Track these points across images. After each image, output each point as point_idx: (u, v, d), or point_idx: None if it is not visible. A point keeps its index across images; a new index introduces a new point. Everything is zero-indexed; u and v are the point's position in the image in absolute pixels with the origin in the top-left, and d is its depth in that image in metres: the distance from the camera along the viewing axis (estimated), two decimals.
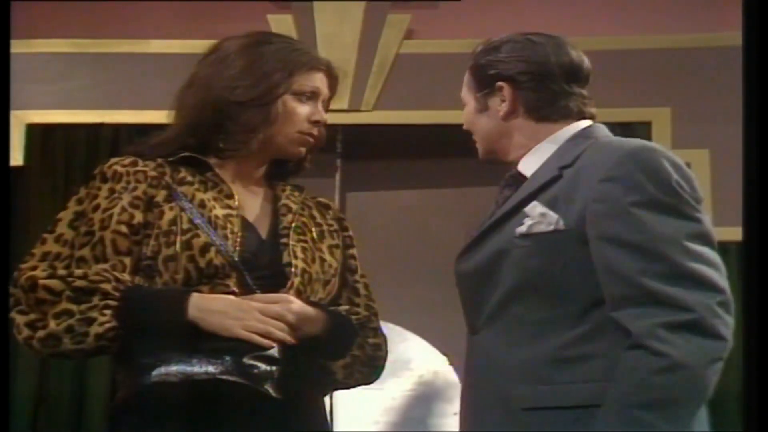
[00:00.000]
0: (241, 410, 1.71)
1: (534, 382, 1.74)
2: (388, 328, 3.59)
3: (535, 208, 1.78)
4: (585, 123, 1.89)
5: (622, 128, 3.45)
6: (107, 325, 1.71)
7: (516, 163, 1.88)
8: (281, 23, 3.51)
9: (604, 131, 1.89)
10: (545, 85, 1.86)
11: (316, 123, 1.91)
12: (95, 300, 1.73)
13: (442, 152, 3.96)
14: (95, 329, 1.71)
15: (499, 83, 1.85)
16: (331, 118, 3.84)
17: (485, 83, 1.87)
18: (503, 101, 1.86)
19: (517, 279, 1.77)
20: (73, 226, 1.82)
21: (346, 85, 3.53)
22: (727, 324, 1.59)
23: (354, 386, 1.95)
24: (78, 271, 1.75)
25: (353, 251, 1.99)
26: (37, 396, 3.31)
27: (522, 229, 1.78)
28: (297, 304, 1.77)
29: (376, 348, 1.91)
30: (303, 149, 1.92)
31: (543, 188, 1.80)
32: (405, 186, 3.76)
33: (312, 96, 1.91)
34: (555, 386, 1.73)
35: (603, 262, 1.70)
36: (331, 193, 3.60)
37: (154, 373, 1.70)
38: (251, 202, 1.91)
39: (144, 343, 1.71)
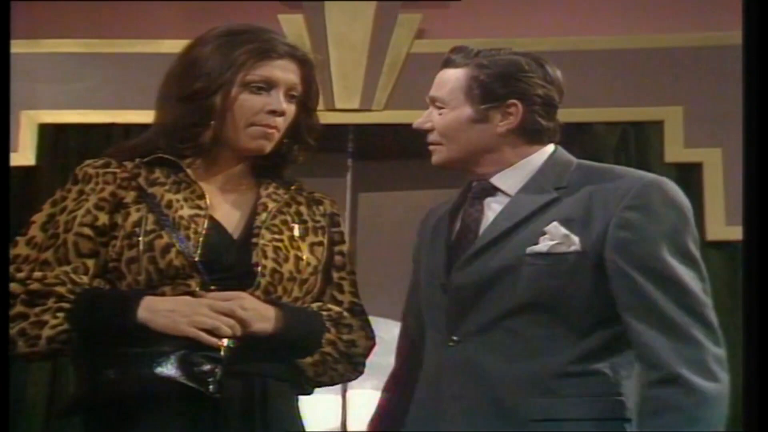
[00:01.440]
0: (184, 410, 1.70)
1: (542, 395, 1.74)
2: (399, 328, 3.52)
3: (557, 228, 1.79)
4: (552, 145, 1.93)
5: (634, 128, 3.45)
6: (59, 328, 1.71)
7: (486, 175, 1.90)
8: (292, 23, 3.51)
9: (569, 156, 1.95)
10: (547, 109, 1.90)
11: (272, 113, 1.86)
12: (50, 303, 1.72)
13: None
14: (47, 332, 1.70)
15: (513, 101, 1.86)
16: (343, 118, 3.86)
17: (493, 97, 1.86)
18: (507, 117, 1.86)
19: (525, 296, 1.78)
20: (44, 228, 1.81)
21: (357, 85, 3.53)
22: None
23: (332, 384, 1.91)
24: (37, 274, 1.75)
25: (341, 248, 1.96)
26: (48, 400, 3.30)
27: (540, 248, 1.79)
28: (249, 301, 1.74)
29: (350, 344, 1.88)
30: (263, 143, 1.87)
31: (543, 208, 1.81)
32: (416, 186, 3.75)
33: (268, 86, 1.85)
34: (564, 399, 1.74)
35: (628, 287, 1.75)
36: (343, 193, 3.60)
37: (103, 373, 1.69)
38: (227, 202, 1.88)
39: (95, 345, 1.71)
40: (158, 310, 1.72)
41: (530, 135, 1.90)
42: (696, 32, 3.50)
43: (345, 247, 1.97)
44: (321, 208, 1.97)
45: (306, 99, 1.91)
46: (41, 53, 3.57)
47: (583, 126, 3.43)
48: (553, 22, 3.58)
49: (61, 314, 1.71)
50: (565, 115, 3.58)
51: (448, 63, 1.93)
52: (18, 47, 3.51)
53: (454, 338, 1.82)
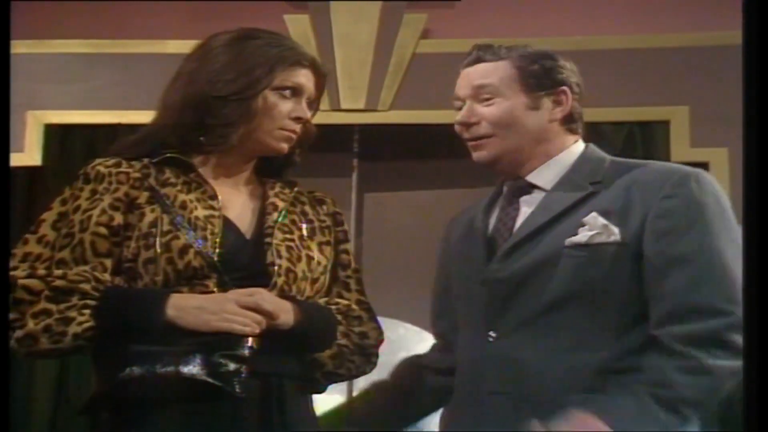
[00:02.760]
0: (208, 408, 1.71)
1: (584, 391, 1.73)
2: (406, 329, 3.58)
3: (596, 219, 1.80)
4: (582, 142, 1.98)
5: (640, 127, 3.44)
6: (86, 325, 1.71)
7: (523, 174, 1.91)
8: (298, 23, 3.51)
9: (601, 152, 1.99)
10: (580, 99, 1.97)
11: (297, 120, 1.88)
12: (74, 300, 1.73)
13: (459, 152, 3.93)
14: (74, 329, 1.71)
15: (564, 87, 1.91)
16: (348, 118, 3.86)
17: (546, 84, 1.90)
18: (559, 105, 1.89)
19: (566, 288, 1.78)
20: (55, 227, 1.81)
21: (363, 85, 3.53)
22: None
23: (350, 377, 1.93)
24: (57, 272, 1.75)
25: (346, 246, 1.98)
26: (56, 399, 3.31)
27: (579, 238, 1.80)
28: (269, 295, 1.76)
29: (362, 336, 1.89)
30: (284, 146, 1.90)
31: (580, 202, 1.82)
32: (422, 186, 3.75)
33: (294, 92, 1.88)
34: (607, 395, 1.73)
35: (656, 277, 1.76)
36: (349, 193, 3.60)
37: (126, 371, 1.69)
38: (237, 202, 1.90)
39: (119, 342, 1.71)
40: (186, 308, 1.72)
41: (572, 124, 1.95)
42: (702, 32, 3.49)
43: (350, 246, 1.98)
44: (324, 207, 1.99)
45: (312, 107, 1.95)
46: (47, 53, 3.58)
47: (589, 126, 3.41)
48: (558, 22, 3.58)
49: (86, 311, 1.72)
50: None
51: (479, 59, 1.94)
52: (24, 48, 3.53)
53: (492, 334, 1.82)
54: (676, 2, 3.61)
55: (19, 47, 3.53)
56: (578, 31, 3.54)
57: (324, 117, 3.33)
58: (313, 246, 1.89)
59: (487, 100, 1.90)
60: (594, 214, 1.81)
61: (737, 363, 1.67)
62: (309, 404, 1.87)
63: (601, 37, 3.52)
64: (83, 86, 3.57)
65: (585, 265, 1.78)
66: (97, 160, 1.88)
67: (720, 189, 1.83)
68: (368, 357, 1.91)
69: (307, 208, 1.96)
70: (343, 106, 3.49)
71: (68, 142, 3.54)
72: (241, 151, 1.89)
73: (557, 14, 3.57)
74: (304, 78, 1.89)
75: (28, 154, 3.50)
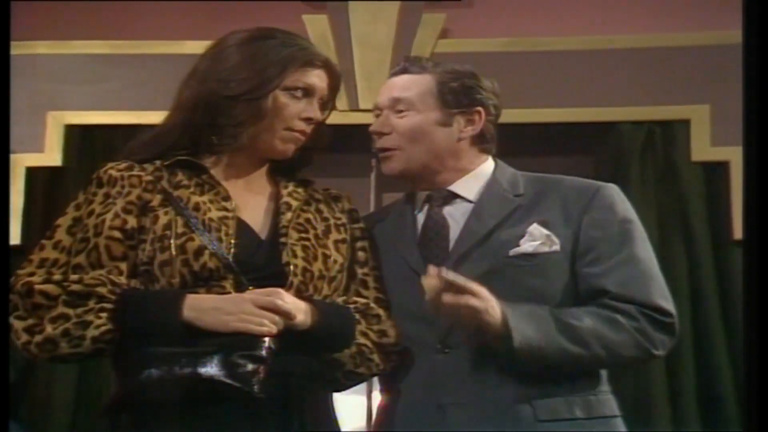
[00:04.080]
0: (227, 409, 1.70)
1: (538, 397, 1.77)
2: None
3: (538, 229, 1.87)
4: (491, 160, 2.05)
5: (660, 126, 3.42)
6: (103, 328, 1.71)
7: (442, 184, 1.98)
8: (316, 23, 3.51)
9: (509, 167, 2.07)
10: (495, 121, 2.05)
11: (307, 120, 1.88)
12: (91, 303, 1.73)
13: None
14: (92, 332, 1.71)
15: (478, 108, 1.93)
16: (367, 118, 3.85)
17: (463, 103, 1.95)
18: (471, 123, 1.94)
19: (512, 299, 1.80)
20: (71, 232, 1.82)
21: (382, 85, 3.52)
22: None
23: (370, 376, 1.92)
24: (74, 276, 1.76)
25: (363, 243, 1.97)
26: (76, 400, 3.32)
27: (525, 248, 1.86)
28: (286, 295, 1.75)
29: (381, 334, 1.89)
30: (291, 147, 1.89)
31: (513, 213, 1.93)
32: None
33: (306, 93, 1.88)
34: (566, 398, 1.79)
35: (592, 275, 1.87)
36: (367, 193, 3.60)
37: (146, 373, 1.69)
38: (251, 203, 1.90)
39: (139, 345, 1.71)
40: (203, 309, 1.73)
41: (483, 143, 2.01)
42: (723, 30, 3.46)
43: (367, 243, 1.98)
44: (339, 205, 1.99)
45: (323, 108, 1.94)
46: (68, 54, 3.59)
47: (610, 125, 3.42)
48: (577, 21, 3.56)
49: (104, 314, 1.73)
50: (592, 114, 3.59)
51: (405, 70, 2.01)
52: (45, 48, 3.55)
53: (444, 348, 1.85)
54: (695, 1, 3.58)
55: (39, 48, 3.55)
56: (597, 30, 3.52)
57: (342, 117, 3.35)
58: (330, 244, 1.89)
59: (401, 111, 1.96)
60: (536, 225, 1.89)
61: (650, 347, 1.81)
62: (329, 404, 1.87)
63: (620, 36, 3.50)
64: (103, 87, 3.58)
65: (529, 274, 1.86)
66: (110, 164, 1.89)
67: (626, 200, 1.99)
68: (388, 355, 1.91)
69: (323, 206, 1.95)
70: (362, 106, 3.48)
71: (88, 142, 3.56)
72: (251, 151, 1.89)
73: (576, 13, 3.56)
74: (317, 78, 1.89)
75: (48, 154, 3.51)
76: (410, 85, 1.98)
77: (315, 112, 1.89)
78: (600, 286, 1.85)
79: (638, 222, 1.96)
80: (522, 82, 3.35)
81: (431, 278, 1.73)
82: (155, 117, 3.47)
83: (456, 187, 1.98)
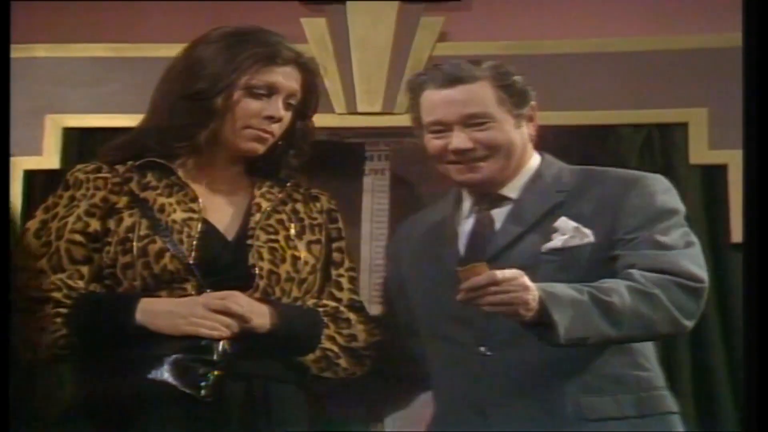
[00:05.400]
0: (184, 413, 1.70)
1: (591, 394, 1.74)
2: None
3: (566, 223, 1.84)
4: (536, 152, 2.06)
5: (659, 129, 3.42)
6: (57, 334, 1.71)
7: (502, 184, 1.98)
8: (314, 26, 3.51)
9: (558, 161, 2.08)
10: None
11: (269, 119, 1.86)
12: (47, 309, 1.73)
13: None
14: (46, 338, 1.71)
15: (533, 103, 1.94)
16: (364, 121, 3.85)
17: (522, 102, 1.93)
18: (532, 120, 1.94)
19: None
20: (38, 236, 1.81)
21: (380, 88, 3.52)
22: None
23: (339, 380, 1.92)
24: (33, 282, 1.75)
25: (340, 244, 1.96)
26: (53, 407, 3.30)
27: (555, 244, 1.83)
28: (242, 298, 1.75)
29: (350, 339, 1.87)
30: (257, 145, 1.88)
31: (552, 210, 1.85)
32: (441, 188, 3.74)
33: (270, 91, 1.86)
34: (612, 396, 1.75)
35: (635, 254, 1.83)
36: (358, 199, 3.58)
37: (102, 378, 1.69)
38: (221, 203, 1.89)
39: (93, 349, 1.70)
40: (155, 312, 1.72)
41: (533, 139, 2.02)
42: (720, 33, 3.47)
43: (343, 244, 1.97)
44: (318, 204, 1.97)
45: (304, 106, 1.92)
46: (67, 57, 3.59)
47: (608, 128, 3.42)
48: (576, 24, 3.56)
49: (58, 320, 1.72)
50: (590, 117, 3.59)
51: (458, 80, 1.96)
52: (44, 51, 3.55)
53: (483, 350, 1.82)
54: (693, 4, 3.58)
55: (38, 51, 3.55)
56: (596, 34, 3.52)
57: (340, 120, 3.34)
58: (301, 245, 1.87)
59: (480, 125, 1.93)
60: (564, 218, 1.86)
61: (682, 319, 1.78)
62: (300, 405, 1.85)
63: (618, 39, 3.50)
64: (102, 90, 3.58)
65: (562, 269, 1.83)
66: (78, 166, 1.89)
67: (673, 189, 1.95)
68: (358, 359, 1.90)
69: (300, 206, 1.93)
70: (360, 109, 3.48)
71: (87, 146, 3.54)
72: (218, 151, 1.88)
73: (574, 16, 3.56)
74: (281, 76, 1.87)
75: (46, 157, 3.51)
76: (479, 96, 1.94)
77: (277, 111, 1.87)
78: (629, 263, 1.82)
79: (681, 214, 1.92)
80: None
81: (467, 272, 1.68)
82: None
83: (505, 191, 1.98)
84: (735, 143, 3.50)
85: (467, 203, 1.98)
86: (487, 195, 1.97)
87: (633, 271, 1.79)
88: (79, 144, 3.56)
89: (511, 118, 1.95)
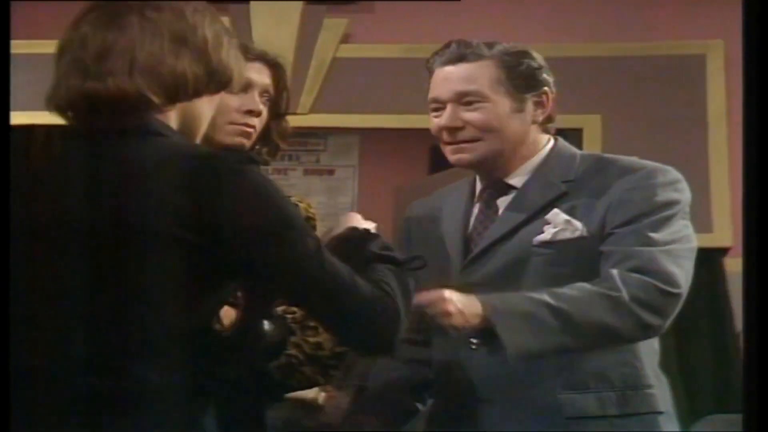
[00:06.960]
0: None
1: (574, 389, 1.71)
2: None
3: (557, 215, 1.77)
4: (548, 136, 1.92)
5: (560, 135, 3.51)
6: None
7: (508, 171, 1.86)
8: None
9: (572, 147, 1.93)
10: (554, 101, 1.91)
11: (249, 113, 1.87)
12: None
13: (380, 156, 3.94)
14: None
15: (546, 89, 1.85)
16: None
17: (532, 86, 1.82)
18: (541, 106, 1.84)
19: (537, 286, 1.71)
20: None
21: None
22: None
23: (301, 388, 1.91)
24: None
25: None
26: None
27: (544, 236, 1.76)
28: None
29: (317, 347, 1.88)
30: (242, 140, 1.88)
31: (553, 202, 1.79)
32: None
33: (245, 88, 1.87)
34: (597, 394, 1.72)
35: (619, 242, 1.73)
36: None
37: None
38: None
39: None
40: None
41: (548, 124, 1.90)
42: (615, 42, 3.58)
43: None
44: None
45: (276, 103, 1.92)
46: None
47: None
48: (477, 29, 3.61)
49: None
50: None
51: (462, 58, 1.85)
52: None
53: (474, 341, 1.76)
54: (591, 13, 3.68)
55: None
56: (496, 38, 3.58)
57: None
58: None
59: (472, 104, 1.82)
60: (555, 210, 1.78)
61: (653, 323, 1.68)
62: (258, 411, 1.84)
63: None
64: None
65: (552, 263, 1.76)
66: None
67: (684, 187, 1.81)
68: (323, 368, 1.89)
69: None
70: None
71: None
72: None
73: (476, 20, 3.61)
74: (254, 72, 1.86)
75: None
76: (475, 75, 1.83)
77: (257, 105, 1.87)
78: (612, 261, 1.72)
79: (681, 206, 1.79)
80: (424, 88, 3.38)
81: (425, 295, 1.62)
82: None
83: (512, 179, 1.87)
84: (628, 150, 3.62)
85: (478, 191, 1.92)
86: (496, 183, 1.90)
87: (612, 271, 1.69)
88: None
89: (510, 101, 1.85)
